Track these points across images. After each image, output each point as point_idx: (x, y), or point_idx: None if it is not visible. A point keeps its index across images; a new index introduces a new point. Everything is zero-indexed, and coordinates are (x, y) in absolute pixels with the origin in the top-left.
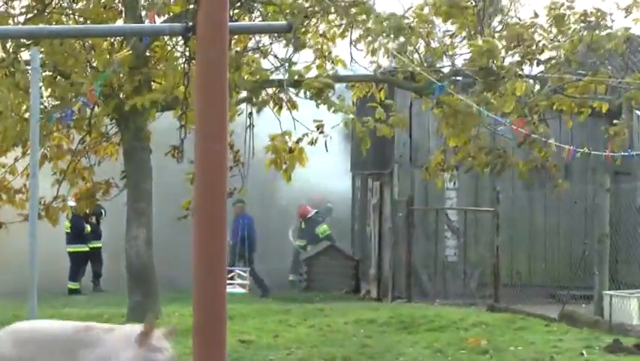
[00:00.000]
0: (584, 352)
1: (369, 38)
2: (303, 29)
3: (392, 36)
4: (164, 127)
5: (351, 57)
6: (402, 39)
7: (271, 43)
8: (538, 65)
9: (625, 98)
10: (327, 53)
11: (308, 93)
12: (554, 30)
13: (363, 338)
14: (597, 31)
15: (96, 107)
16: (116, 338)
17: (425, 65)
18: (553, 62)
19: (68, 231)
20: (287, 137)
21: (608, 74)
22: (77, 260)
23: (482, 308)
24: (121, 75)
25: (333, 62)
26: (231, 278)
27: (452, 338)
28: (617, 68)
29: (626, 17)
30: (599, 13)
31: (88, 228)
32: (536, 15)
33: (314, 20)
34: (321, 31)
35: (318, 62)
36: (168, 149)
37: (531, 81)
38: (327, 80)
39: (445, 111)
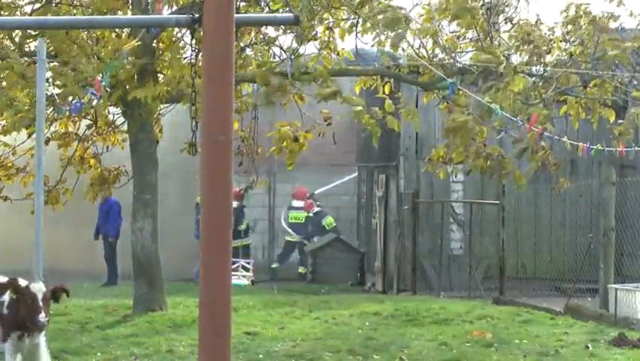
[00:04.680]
0: (589, 345)
1: (377, 31)
2: (310, 24)
3: (388, 28)
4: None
5: (357, 50)
6: (398, 31)
7: (277, 37)
8: (545, 67)
9: (632, 97)
10: (332, 46)
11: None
12: (566, 29)
13: (368, 330)
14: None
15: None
16: None
17: (433, 60)
18: (563, 57)
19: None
20: (293, 127)
21: (613, 85)
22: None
23: (487, 301)
24: (127, 66)
25: (338, 54)
26: (235, 270)
27: (457, 331)
28: (626, 66)
29: (636, 22)
30: (609, 16)
31: (244, 225)
32: (540, 22)
33: (320, 13)
34: (328, 24)
35: (323, 52)
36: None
37: (529, 78)
38: (336, 88)
39: (449, 124)
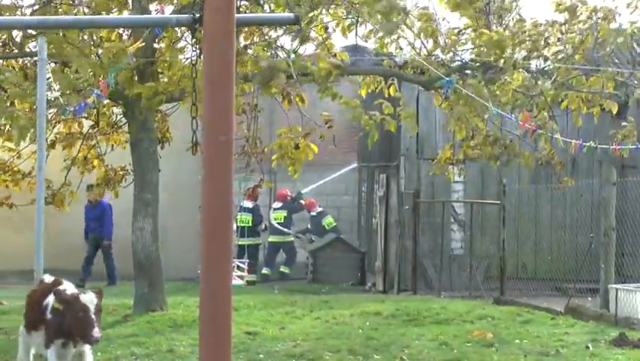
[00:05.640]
0: (589, 345)
1: (380, 34)
2: (308, 20)
3: (384, 17)
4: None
5: (356, 46)
6: (393, 20)
7: (278, 37)
8: (545, 60)
9: (634, 96)
10: (330, 47)
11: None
12: (563, 27)
13: (369, 330)
14: (605, 26)
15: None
16: None
17: (433, 58)
18: (560, 56)
19: (249, 225)
20: (294, 133)
21: (613, 75)
22: (256, 253)
23: (488, 301)
24: (128, 66)
25: (335, 56)
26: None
27: (458, 331)
28: (625, 63)
29: (631, 13)
30: (607, 10)
31: (263, 225)
32: (551, 23)
33: (319, 11)
34: (326, 25)
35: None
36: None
37: (527, 73)
38: (336, 61)
39: (453, 104)
